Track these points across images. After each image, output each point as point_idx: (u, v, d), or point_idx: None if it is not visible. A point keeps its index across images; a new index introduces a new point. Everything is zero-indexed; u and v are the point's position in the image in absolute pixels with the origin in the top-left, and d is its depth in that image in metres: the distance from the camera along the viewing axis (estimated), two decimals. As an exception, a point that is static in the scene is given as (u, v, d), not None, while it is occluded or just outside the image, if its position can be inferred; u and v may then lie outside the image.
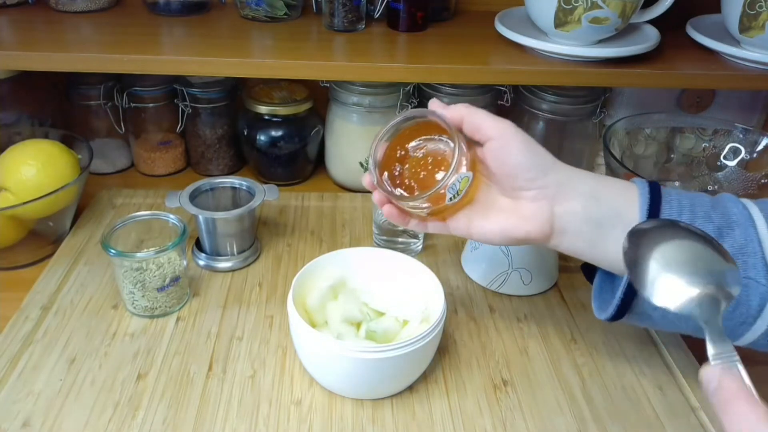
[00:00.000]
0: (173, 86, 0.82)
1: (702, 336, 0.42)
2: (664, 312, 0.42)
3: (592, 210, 0.44)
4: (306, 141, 0.83)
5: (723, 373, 0.32)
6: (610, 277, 0.49)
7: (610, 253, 0.44)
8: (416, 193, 0.46)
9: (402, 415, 0.50)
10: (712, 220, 0.42)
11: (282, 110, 0.79)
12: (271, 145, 0.81)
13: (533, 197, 0.45)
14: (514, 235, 0.46)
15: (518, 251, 0.62)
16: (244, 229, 0.66)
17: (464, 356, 0.56)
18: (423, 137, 0.48)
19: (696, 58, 0.71)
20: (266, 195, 0.66)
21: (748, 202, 0.43)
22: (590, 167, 0.86)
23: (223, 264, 0.66)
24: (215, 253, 0.66)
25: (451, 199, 0.45)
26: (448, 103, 0.80)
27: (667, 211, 0.42)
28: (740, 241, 0.41)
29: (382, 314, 0.56)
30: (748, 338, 0.43)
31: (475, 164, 0.47)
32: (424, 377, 0.54)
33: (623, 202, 0.43)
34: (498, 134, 0.45)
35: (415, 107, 0.82)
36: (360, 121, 0.80)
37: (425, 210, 0.47)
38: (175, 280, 0.59)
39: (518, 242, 0.46)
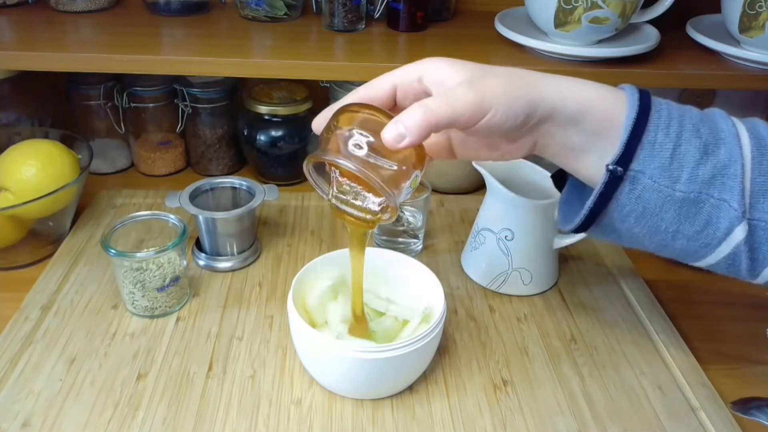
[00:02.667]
0: (173, 86, 0.82)
1: (665, 254, 0.45)
2: (629, 226, 0.42)
3: (575, 135, 0.41)
4: (306, 141, 0.83)
5: None
6: (579, 189, 0.47)
7: (589, 167, 0.42)
8: (360, 202, 0.44)
9: (402, 415, 0.50)
10: (700, 134, 0.40)
11: (282, 110, 0.79)
12: (271, 145, 0.81)
13: (524, 136, 0.43)
14: (503, 159, 0.46)
15: (518, 251, 0.62)
16: (244, 229, 0.66)
17: (464, 356, 0.56)
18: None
19: (696, 58, 0.71)
20: (266, 195, 0.66)
21: (737, 121, 0.42)
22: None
23: (223, 264, 0.66)
24: (215, 253, 0.66)
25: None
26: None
27: (655, 122, 0.40)
28: (723, 161, 0.40)
29: (382, 314, 0.56)
30: (709, 260, 0.43)
31: (423, 158, 0.42)
32: (424, 377, 0.54)
33: (611, 113, 0.41)
34: (474, 121, 0.39)
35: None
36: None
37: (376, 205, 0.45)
38: (175, 280, 0.59)
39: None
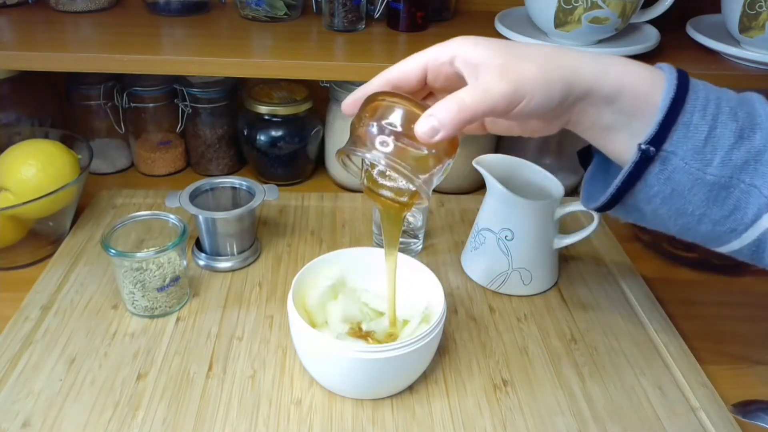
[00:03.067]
0: (173, 86, 0.82)
1: (688, 238, 0.44)
2: (655, 207, 0.41)
3: (609, 114, 0.40)
4: (306, 141, 0.83)
5: None
6: (605, 167, 0.47)
7: (619, 145, 0.41)
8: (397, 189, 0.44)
9: (402, 415, 0.50)
10: (737, 118, 0.39)
11: (282, 110, 0.79)
12: (271, 145, 0.81)
13: (558, 116, 0.42)
14: (534, 135, 0.45)
15: (518, 251, 0.62)
16: (244, 229, 0.66)
17: (464, 356, 0.56)
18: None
19: (696, 58, 0.71)
20: (266, 195, 0.66)
21: None
22: (590, 167, 0.86)
23: (223, 264, 0.66)
24: (215, 253, 0.66)
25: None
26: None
27: (692, 102, 0.39)
28: (758, 146, 0.39)
29: (382, 314, 0.56)
30: (733, 246, 0.42)
31: (456, 146, 0.42)
32: (424, 377, 0.54)
33: (648, 93, 0.40)
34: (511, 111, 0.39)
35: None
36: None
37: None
38: (175, 280, 0.59)
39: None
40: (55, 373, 0.52)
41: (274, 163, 0.83)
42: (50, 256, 0.67)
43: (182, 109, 0.82)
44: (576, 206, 0.61)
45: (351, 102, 0.44)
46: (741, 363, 0.59)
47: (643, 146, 0.39)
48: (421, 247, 0.71)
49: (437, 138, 0.37)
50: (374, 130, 0.40)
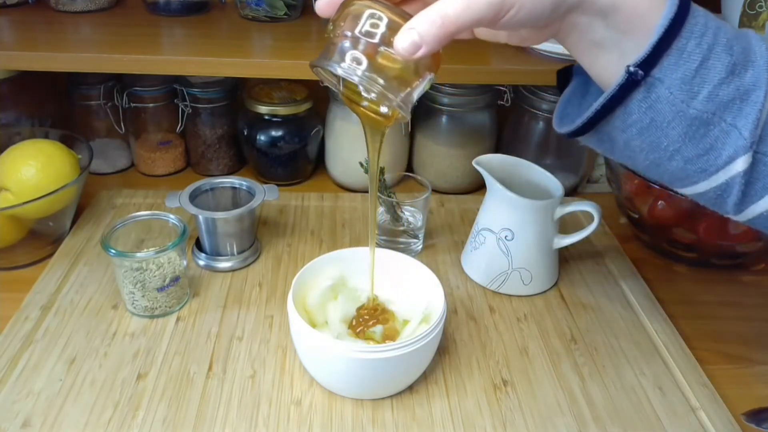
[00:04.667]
0: (173, 86, 0.82)
1: (653, 175, 0.42)
2: (629, 137, 0.40)
3: (602, 29, 0.38)
4: (306, 141, 0.83)
5: None
6: (582, 90, 0.45)
7: (606, 65, 0.40)
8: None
9: (402, 415, 0.50)
10: (731, 51, 0.37)
11: (282, 110, 0.79)
12: (271, 145, 0.81)
13: (547, 25, 0.40)
14: (521, 44, 0.44)
15: (518, 251, 0.62)
16: (244, 229, 0.66)
17: (464, 356, 0.56)
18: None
19: (696, 58, 0.71)
20: (266, 195, 0.66)
21: None
22: (590, 167, 0.86)
23: (223, 264, 0.66)
24: (215, 253, 0.66)
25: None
26: (448, 104, 0.79)
27: (690, 28, 0.37)
28: (747, 85, 0.37)
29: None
30: (699, 188, 0.41)
31: (439, 60, 0.39)
32: (424, 377, 0.54)
33: (645, 11, 0.37)
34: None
35: (415, 107, 0.82)
36: (360, 121, 0.80)
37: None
38: (175, 280, 0.59)
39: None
40: (55, 373, 0.52)
41: (274, 163, 0.83)
42: (50, 256, 0.67)
43: (182, 109, 0.82)
44: (576, 206, 0.61)
45: (327, 1, 0.40)
46: (741, 363, 0.59)
47: (631, 68, 0.37)
48: (421, 247, 0.71)
49: (419, 54, 0.35)
50: (348, 42, 0.37)
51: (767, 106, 0.37)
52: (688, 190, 0.42)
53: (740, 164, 0.38)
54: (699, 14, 0.38)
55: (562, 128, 0.44)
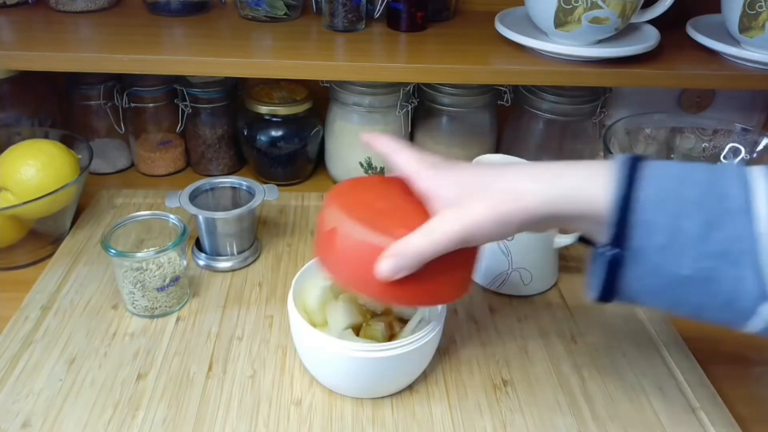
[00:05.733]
0: (173, 86, 0.82)
1: (708, 322, 0.40)
2: (650, 301, 0.39)
3: (568, 224, 0.40)
4: (306, 141, 0.83)
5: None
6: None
7: (591, 230, 0.40)
8: None
9: (402, 415, 0.50)
10: (702, 207, 0.36)
11: (282, 110, 0.79)
12: (271, 145, 0.81)
13: None
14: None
15: (518, 251, 0.62)
16: (244, 229, 0.66)
17: (464, 356, 0.56)
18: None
19: (696, 58, 0.71)
20: (266, 195, 0.66)
21: (758, 179, 0.36)
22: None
23: (223, 264, 0.66)
24: (215, 253, 0.66)
25: None
26: (448, 104, 0.79)
27: (643, 199, 0.36)
28: (732, 236, 0.35)
29: (382, 314, 0.56)
30: (750, 330, 0.38)
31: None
32: (424, 377, 0.54)
33: (601, 199, 0.37)
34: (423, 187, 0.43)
35: (415, 107, 0.82)
36: (360, 121, 0.80)
37: None
38: (175, 280, 0.59)
39: None
40: (55, 373, 0.52)
41: (274, 163, 0.83)
42: (50, 256, 0.67)
43: (182, 109, 0.82)
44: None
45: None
46: (741, 363, 0.59)
47: (603, 251, 0.37)
48: (421, 247, 0.71)
49: (397, 277, 0.41)
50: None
51: (762, 252, 0.35)
52: (749, 331, 0.38)
53: (766, 312, 0.36)
54: (652, 181, 0.37)
55: (591, 295, 0.42)
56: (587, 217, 0.39)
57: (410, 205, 0.45)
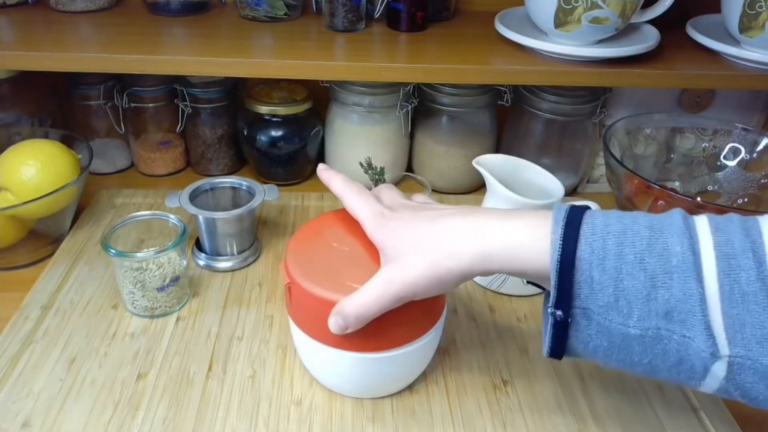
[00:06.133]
0: (173, 86, 0.82)
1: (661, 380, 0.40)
2: (603, 359, 0.38)
3: (511, 272, 0.40)
4: (306, 141, 0.83)
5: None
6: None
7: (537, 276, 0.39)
8: None
9: (402, 415, 0.50)
10: (644, 266, 0.34)
11: (282, 110, 0.79)
12: (271, 145, 0.81)
13: None
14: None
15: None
16: (244, 229, 0.66)
17: (464, 356, 0.56)
18: None
19: (696, 58, 0.71)
20: (266, 195, 0.66)
21: (704, 233, 0.35)
22: (590, 167, 0.86)
23: (223, 264, 0.66)
24: (215, 253, 0.66)
25: None
26: (448, 104, 0.79)
27: (587, 258, 0.35)
28: (677, 295, 0.34)
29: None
30: (707, 388, 0.36)
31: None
32: (424, 377, 0.54)
33: (544, 257, 0.37)
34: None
35: (415, 107, 0.82)
36: (360, 121, 0.80)
37: None
38: (175, 280, 0.59)
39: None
40: (55, 373, 0.52)
41: (274, 163, 0.83)
42: (50, 256, 0.67)
43: (182, 109, 0.82)
44: (576, 206, 0.61)
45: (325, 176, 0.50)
46: (741, 363, 0.59)
47: (550, 310, 0.36)
48: (421, 247, 0.71)
49: (346, 333, 0.44)
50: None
51: (714, 309, 0.33)
52: (705, 391, 0.37)
53: (719, 371, 0.34)
54: (594, 239, 0.36)
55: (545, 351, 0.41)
56: (528, 273, 0.38)
57: (368, 249, 0.46)
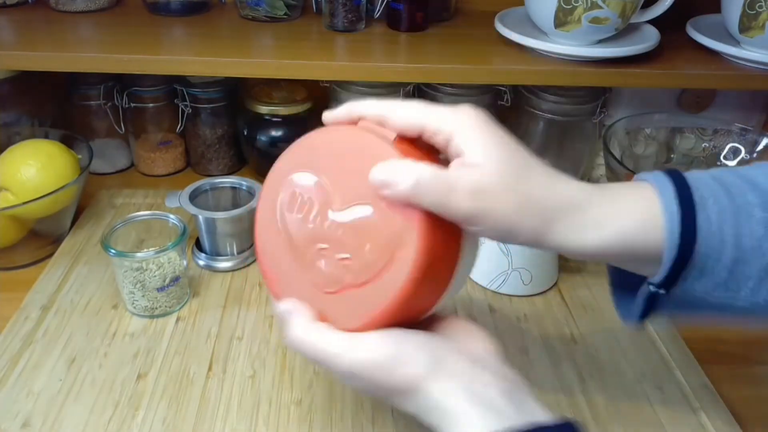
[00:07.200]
0: (173, 86, 0.82)
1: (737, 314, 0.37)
2: (704, 308, 0.36)
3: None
4: (306, 141, 0.82)
5: None
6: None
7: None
8: None
9: (402, 415, 0.50)
10: (764, 252, 0.33)
11: (282, 110, 0.79)
12: (271, 145, 0.81)
13: None
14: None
15: (518, 251, 0.62)
16: (244, 229, 0.66)
17: (464, 356, 0.56)
18: None
19: (696, 58, 0.71)
20: (266, 195, 0.66)
21: None
22: (590, 167, 0.86)
23: (223, 264, 0.66)
24: (215, 253, 0.66)
25: None
26: (448, 104, 0.79)
27: (704, 250, 0.33)
28: None
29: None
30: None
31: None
32: (424, 377, 0.53)
33: (655, 245, 0.34)
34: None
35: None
36: None
37: None
38: (175, 280, 0.59)
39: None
40: (55, 373, 0.52)
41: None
42: (50, 256, 0.67)
43: (182, 109, 0.82)
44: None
45: (332, 118, 0.41)
46: (741, 363, 0.59)
47: (652, 289, 0.35)
48: (421, 247, 0.71)
49: (384, 192, 0.34)
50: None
51: None
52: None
53: None
54: (712, 230, 0.33)
55: (627, 317, 0.40)
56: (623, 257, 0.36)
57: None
